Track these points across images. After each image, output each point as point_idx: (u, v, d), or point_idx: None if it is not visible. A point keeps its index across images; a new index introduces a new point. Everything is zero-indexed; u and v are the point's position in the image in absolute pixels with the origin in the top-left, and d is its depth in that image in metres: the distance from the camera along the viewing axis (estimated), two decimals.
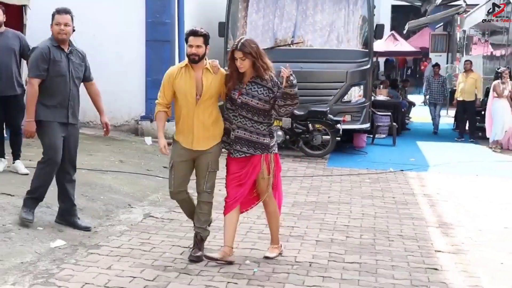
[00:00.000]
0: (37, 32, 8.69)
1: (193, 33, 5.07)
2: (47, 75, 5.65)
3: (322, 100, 11.10)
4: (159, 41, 11.23)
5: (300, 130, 10.68)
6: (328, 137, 10.67)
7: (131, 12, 11.39)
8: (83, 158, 8.79)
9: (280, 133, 10.57)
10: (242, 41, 5.03)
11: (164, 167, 5.25)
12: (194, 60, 5.06)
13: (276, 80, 5.10)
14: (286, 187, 8.29)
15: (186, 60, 5.17)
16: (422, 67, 19.61)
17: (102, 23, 11.29)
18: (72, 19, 5.74)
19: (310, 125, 10.65)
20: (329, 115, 10.63)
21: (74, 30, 5.80)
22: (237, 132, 5.08)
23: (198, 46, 5.03)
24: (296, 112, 10.55)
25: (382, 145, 12.89)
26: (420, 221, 6.84)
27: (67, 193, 5.94)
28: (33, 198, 5.81)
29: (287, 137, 10.70)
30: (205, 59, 5.15)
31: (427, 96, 15.98)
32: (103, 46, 11.20)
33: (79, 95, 5.90)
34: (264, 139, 5.07)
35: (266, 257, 5.31)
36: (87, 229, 5.93)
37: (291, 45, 11.49)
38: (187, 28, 11.69)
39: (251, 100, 5.01)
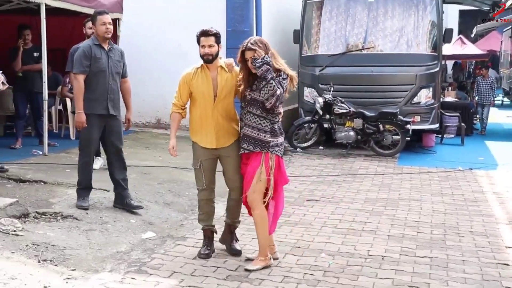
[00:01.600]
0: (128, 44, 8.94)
1: (204, 33, 4.86)
2: (90, 71, 5.83)
3: (392, 102, 10.92)
4: (239, 48, 11.34)
5: (371, 131, 10.53)
6: (398, 137, 10.47)
7: (213, 21, 11.02)
8: (169, 157, 8.78)
9: (352, 133, 10.49)
10: (251, 40, 4.69)
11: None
12: (208, 59, 4.85)
13: (282, 76, 4.69)
14: (358, 184, 8.28)
15: (200, 62, 4.95)
16: (477, 71, 19.01)
17: (186, 32, 11.32)
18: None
19: (380, 126, 10.49)
20: (399, 116, 10.44)
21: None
22: (244, 129, 4.83)
23: (210, 46, 4.82)
24: (368, 113, 10.51)
25: (451, 144, 12.53)
26: (490, 218, 6.62)
27: (117, 182, 6.09)
28: (81, 188, 6.03)
29: (359, 137, 10.57)
30: (219, 58, 4.95)
31: (476, 98, 15.42)
32: (188, 55, 11.08)
33: (119, 89, 6.04)
34: (264, 136, 4.74)
35: (246, 270, 4.76)
36: (139, 207, 6.08)
37: (363, 50, 11.37)
38: (264, 35, 11.95)
39: (259, 96, 4.69)
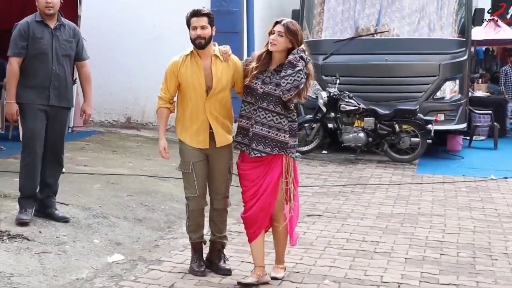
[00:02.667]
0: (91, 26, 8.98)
1: (195, 13, 4.98)
2: (27, 53, 5.78)
3: (410, 97, 10.97)
4: (226, 32, 10.95)
5: (385, 132, 10.57)
6: (418, 139, 10.52)
7: (194, 0, 11.51)
8: (141, 163, 9.09)
9: (361, 135, 10.54)
10: (287, 19, 4.96)
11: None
12: (201, 44, 4.96)
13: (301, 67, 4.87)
14: (369, 196, 8.30)
15: (189, 48, 5.07)
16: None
17: (163, 12, 11.55)
18: None
19: (396, 126, 10.53)
20: (418, 114, 10.48)
21: (62, 3, 5.89)
22: (255, 128, 4.95)
23: (203, 27, 4.93)
24: (381, 110, 10.56)
25: (481, 148, 12.62)
26: None
27: (46, 186, 6.03)
28: (24, 197, 5.94)
29: (370, 139, 10.62)
30: (213, 45, 5.07)
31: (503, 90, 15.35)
32: (164, 38, 11.43)
33: (68, 75, 5.95)
34: (284, 136, 4.93)
35: (274, 278, 5.11)
36: (64, 219, 6.00)
37: (375, 35, 11.42)
38: (257, 18, 11.98)
39: (275, 90, 4.89)
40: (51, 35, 5.83)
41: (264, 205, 5.00)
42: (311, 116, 10.95)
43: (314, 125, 10.96)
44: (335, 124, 10.83)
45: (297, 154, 10.31)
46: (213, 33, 5.02)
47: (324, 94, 10.74)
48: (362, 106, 10.58)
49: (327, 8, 11.71)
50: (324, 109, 10.78)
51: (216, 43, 5.10)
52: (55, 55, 5.83)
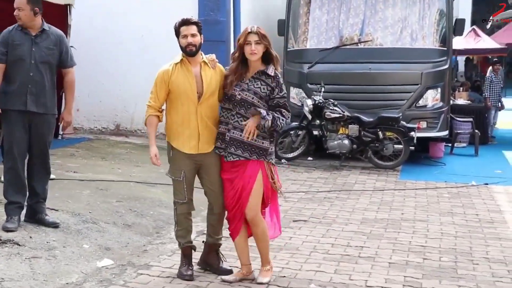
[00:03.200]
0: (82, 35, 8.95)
1: (185, 22, 5.06)
2: (8, 59, 5.79)
3: (393, 104, 11.03)
4: (213, 41, 11.06)
5: (369, 139, 10.60)
6: (401, 146, 10.55)
7: (182, 9, 11.07)
8: (130, 170, 9.07)
9: (346, 142, 10.54)
10: (255, 26, 5.04)
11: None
12: (192, 51, 5.04)
13: (281, 82, 5.11)
14: (353, 202, 8.29)
15: (178, 56, 5.15)
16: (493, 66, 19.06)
17: (151, 21, 11.55)
18: (27, 1, 5.79)
19: (380, 133, 10.57)
20: (401, 122, 10.53)
21: (39, 13, 5.86)
22: (233, 133, 5.05)
23: (193, 35, 5.03)
24: (365, 118, 10.59)
25: (463, 155, 12.66)
26: (509, 242, 6.66)
27: (34, 191, 6.01)
28: (9, 204, 5.92)
29: (354, 146, 10.62)
30: (201, 54, 5.15)
31: (486, 97, 15.37)
32: (152, 48, 11.43)
33: (47, 81, 5.90)
34: (263, 142, 5.04)
35: (260, 283, 5.15)
36: (54, 225, 5.98)
37: (359, 44, 11.48)
38: (243, 27, 11.88)
39: (252, 98, 5.01)
40: (31, 42, 5.83)
41: (243, 206, 5.05)
42: (296, 123, 10.91)
43: (300, 132, 10.95)
44: (320, 131, 10.84)
45: (283, 160, 10.64)
46: (202, 41, 5.12)
47: (309, 102, 10.75)
48: (346, 113, 10.60)
49: (312, 17, 11.74)
50: (310, 117, 10.79)
51: (202, 52, 5.16)
52: (34, 61, 5.81)
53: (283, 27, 11.74)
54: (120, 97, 11.80)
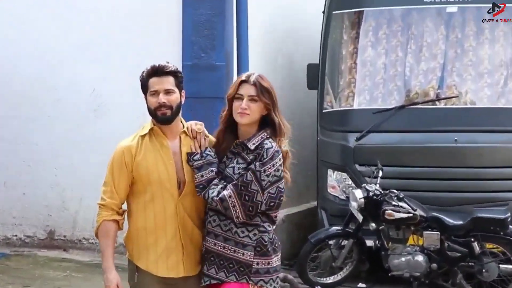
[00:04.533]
0: None
1: (155, 71, 5.12)
2: None
3: (496, 198, 10.50)
4: (206, 98, 11.01)
5: (458, 254, 9.98)
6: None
7: (157, 50, 11.21)
8: None
9: (420, 258, 9.92)
10: (256, 74, 5.19)
11: None
12: (165, 116, 5.11)
13: (267, 156, 5.12)
14: None
15: (147, 124, 5.23)
16: None
17: (104, 72, 11.38)
18: None
19: (475, 245, 9.90)
20: (510, 226, 9.87)
21: None
22: (208, 241, 5.16)
23: (168, 92, 5.09)
24: (449, 220, 10.00)
25: None
26: None
27: None
28: None
29: (434, 265, 9.98)
30: (181, 120, 5.29)
31: None
32: (107, 110, 11.35)
33: None
34: (243, 253, 5.07)
35: None
36: None
37: (437, 102, 11.03)
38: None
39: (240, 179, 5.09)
40: None
41: None
42: (339, 227, 10.44)
43: (345, 243, 10.43)
44: (377, 241, 10.27)
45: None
46: (183, 100, 5.22)
47: (359, 194, 10.09)
48: (419, 212, 9.95)
49: (361, 61, 11.33)
50: (360, 217, 10.16)
51: (182, 118, 5.31)
52: None
53: (315, 76, 11.49)
54: (56, 187, 11.44)
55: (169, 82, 5.13)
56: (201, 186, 5.09)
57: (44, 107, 11.66)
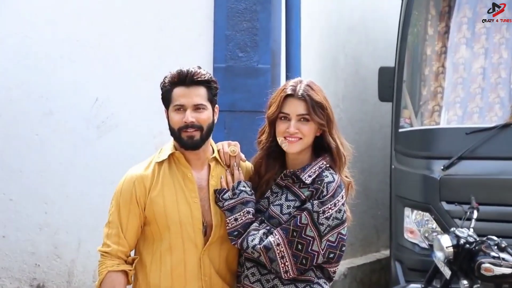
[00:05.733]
0: None
1: (183, 78, 5.18)
2: None
3: None
4: (244, 112, 11.31)
5: None
6: None
7: (182, 51, 11.27)
8: None
9: None
10: (303, 82, 5.26)
11: None
12: (192, 141, 5.20)
13: (328, 194, 5.19)
14: None
15: (167, 147, 5.34)
16: None
17: (109, 79, 11.55)
18: None
19: None
20: None
21: None
22: None
23: (198, 108, 5.19)
24: None
25: None
26: None
27: None
28: None
29: None
30: (211, 144, 5.41)
31: None
32: (115, 126, 11.47)
33: None
34: None
35: None
36: None
37: None
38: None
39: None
40: None
41: None
42: (419, 285, 10.63)
43: None
44: None
45: None
46: (216, 118, 5.36)
47: (446, 242, 10.22)
48: None
49: (452, 63, 11.44)
50: (447, 272, 10.29)
51: (212, 141, 5.49)
52: None
53: (390, 83, 11.65)
54: (45, 227, 11.56)
55: (200, 94, 5.19)
56: (235, 233, 5.15)
57: (30, 123, 11.62)
